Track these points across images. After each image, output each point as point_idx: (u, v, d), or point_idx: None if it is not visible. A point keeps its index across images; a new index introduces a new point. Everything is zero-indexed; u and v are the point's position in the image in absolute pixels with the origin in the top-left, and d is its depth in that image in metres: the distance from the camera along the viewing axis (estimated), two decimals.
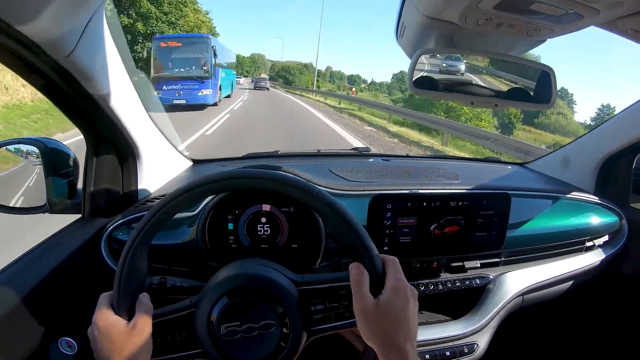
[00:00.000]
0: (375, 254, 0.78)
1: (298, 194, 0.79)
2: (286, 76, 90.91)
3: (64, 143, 1.22)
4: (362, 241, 0.78)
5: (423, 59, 1.01)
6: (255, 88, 49.46)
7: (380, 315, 0.74)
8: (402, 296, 0.75)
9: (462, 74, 1.06)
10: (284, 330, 0.80)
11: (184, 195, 0.79)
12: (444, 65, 1.05)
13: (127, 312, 0.79)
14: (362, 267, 0.78)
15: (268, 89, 50.60)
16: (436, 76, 1.01)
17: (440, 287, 1.28)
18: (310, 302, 0.84)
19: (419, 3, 0.87)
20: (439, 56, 1.05)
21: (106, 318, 0.78)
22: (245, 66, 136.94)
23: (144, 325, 0.79)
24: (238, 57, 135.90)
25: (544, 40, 0.96)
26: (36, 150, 1.18)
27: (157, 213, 0.78)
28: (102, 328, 0.77)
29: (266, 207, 1.20)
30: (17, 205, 1.22)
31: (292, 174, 1.13)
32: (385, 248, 1.18)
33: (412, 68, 0.93)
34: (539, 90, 1.03)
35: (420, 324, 1.25)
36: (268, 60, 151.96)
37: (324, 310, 0.83)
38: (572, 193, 1.55)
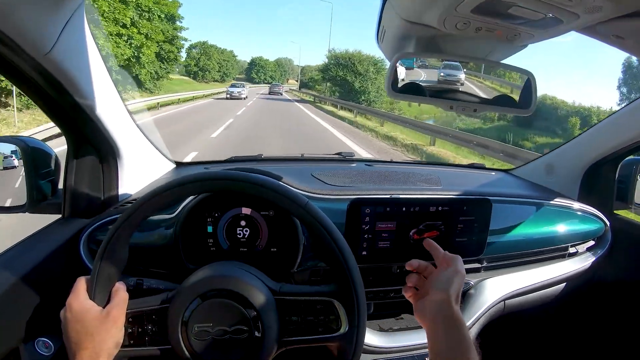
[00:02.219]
0: (344, 247, 0.81)
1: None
2: (345, 78, 36.55)
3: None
4: (326, 228, 0.81)
5: (419, 70, 1.01)
6: (269, 93, 50.50)
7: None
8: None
9: (463, 84, 1.05)
10: (256, 335, 0.80)
11: (194, 184, 0.80)
12: (442, 74, 1.04)
13: (103, 298, 0.80)
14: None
15: (281, 94, 51.89)
16: (423, 83, 1.01)
17: None
18: (286, 313, 0.84)
19: (398, 7, 0.87)
20: (437, 65, 1.05)
21: (81, 302, 0.78)
22: (269, 71, 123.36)
23: (118, 314, 0.79)
24: (259, 60, 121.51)
25: (525, 46, 0.96)
26: (17, 148, 1.17)
27: (152, 198, 0.79)
28: (76, 311, 0.77)
29: (246, 211, 1.19)
30: None
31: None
32: (364, 253, 1.18)
33: (391, 72, 0.93)
34: (521, 95, 1.03)
35: (400, 329, 1.24)
36: (296, 65, 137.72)
37: (299, 322, 0.84)
38: (556, 200, 1.55)
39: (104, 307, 0.79)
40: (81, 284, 0.80)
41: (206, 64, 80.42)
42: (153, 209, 0.80)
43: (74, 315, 0.77)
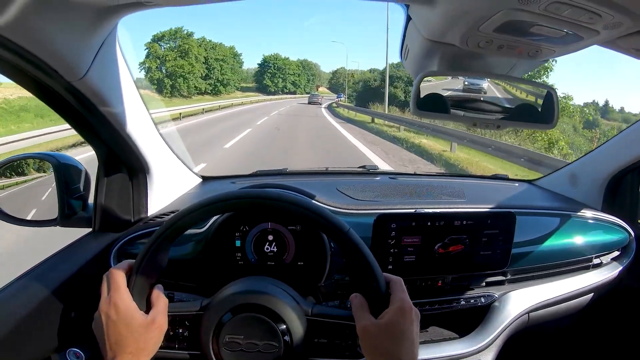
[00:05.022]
0: (380, 273, 0.80)
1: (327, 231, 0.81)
2: None
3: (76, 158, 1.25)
4: (366, 260, 0.79)
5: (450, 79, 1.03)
6: (309, 103, 48.02)
7: (384, 335, 0.75)
8: (407, 317, 0.76)
9: (486, 92, 1.07)
10: (284, 352, 0.82)
11: (243, 200, 0.82)
12: (467, 83, 1.06)
13: (141, 300, 0.81)
14: (361, 296, 0.80)
15: (320, 104, 47.60)
16: (446, 94, 1.03)
17: (445, 306, 1.28)
18: (315, 333, 0.86)
19: (421, 27, 0.88)
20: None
21: (127, 303, 0.78)
22: (290, 75, 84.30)
23: (162, 321, 0.81)
24: (274, 59, 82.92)
25: (546, 60, 0.97)
26: (49, 165, 1.21)
27: (200, 209, 0.80)
28: (123, 312, 0.77)
29: (273, 225, 1.21)
30: (30, 218, 1.25)
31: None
32: (390, 267, 1.19)
33: (416, 90, 0.94)
34: (544, 110, 1.03)
35: (425, 342, 1.24)
36: (322, 71, 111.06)
37: (327, 344, 0.85)
38: (579, 210, 1.54)
39: (145, 311, 0.80)
40: (120, 278, 0.80)
41: (178, 67, 50.36)
42: (202, 217, 0.82)
43: (120, 316, 0.77)
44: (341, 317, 0.85)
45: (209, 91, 57.01)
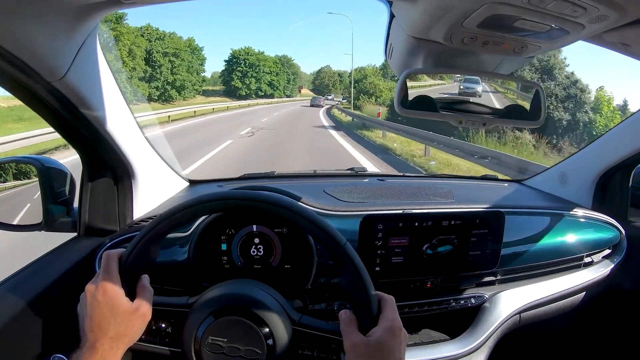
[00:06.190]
0: (372, 292, 0.78)
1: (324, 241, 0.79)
2: None
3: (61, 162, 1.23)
4: (360, 278, 0.78)
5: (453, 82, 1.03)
6: (311, 105, 47.48)
7: (372, 353, 0.74)
8: (396, 337, 0.76)
9: (480, 96, 1.06)
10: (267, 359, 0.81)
11: (236, 201, 0.80)
12: (462, 87, 1.06)
13: (127, 287, 0.79)
14: (351, 312, 0.79)
15: (322, 106, 46.75)
16: (434, 95, 1.02)
17: (435, 307, 1.27)
18: (300, 345, 0.84)
19: (405, 24, 0.88)
20: (458, 78, 1.07)
21: (116, 289, 0.77)
22: (266, 74, 65.81)
23: (146, 310, 0.80)
24: (245, 54, 62.79)
25: (533, 57, 0.97)
26: (33, 168, 1.19)
27: (195, 206, 0.79)
28: (109, 295, 0.76)
29: (259, 228, 1.20)
30: (14, 223, 1.24)
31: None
32: (377, 269, 1.18)
33: (400, 88, 0.93)
34: (531, 107, 1.03)
35: (416, 344, 1.23)
36: (303, 72, 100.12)
37: (311, 357, 0.84)
38: (569, 209, 1.54)
39: (130, 299, 0.79)
40: (113, 263, 0.79)
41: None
42: (194, 215, 0.82)
43: (106, 299, 0.76)
44: (328, 331, 0.84)
45: (156, 97, 41.09)
